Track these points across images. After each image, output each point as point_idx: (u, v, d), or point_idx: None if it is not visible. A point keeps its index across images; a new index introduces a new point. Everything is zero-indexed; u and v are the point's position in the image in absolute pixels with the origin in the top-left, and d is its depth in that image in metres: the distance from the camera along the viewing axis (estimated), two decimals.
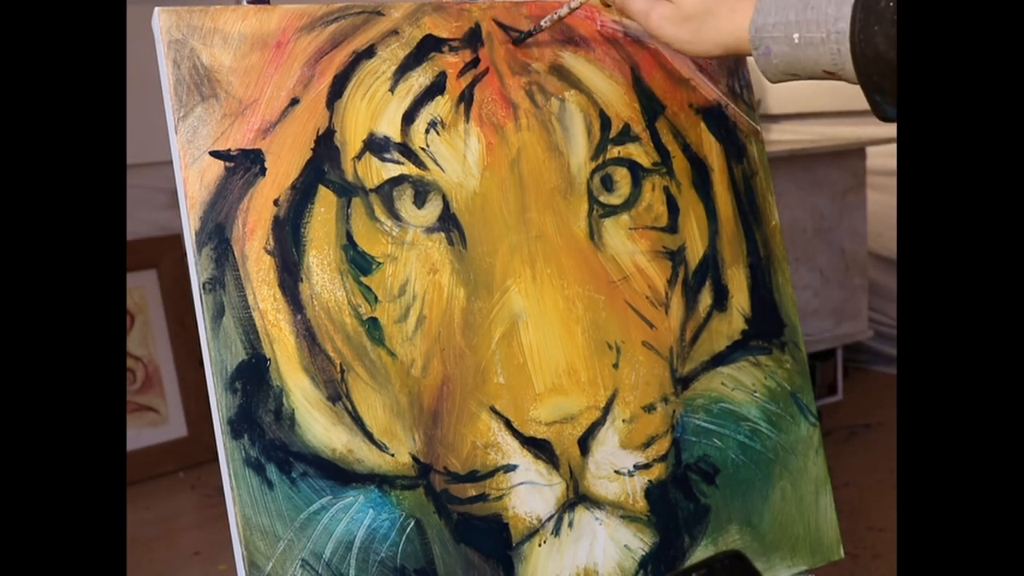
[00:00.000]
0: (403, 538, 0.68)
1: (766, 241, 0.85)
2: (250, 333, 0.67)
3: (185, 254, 0.68)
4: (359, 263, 0.70)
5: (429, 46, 0.75)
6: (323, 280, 0.69)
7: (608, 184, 0.79)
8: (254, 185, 0.68)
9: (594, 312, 0.76)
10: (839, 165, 2.53)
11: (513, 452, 0.72)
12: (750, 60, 0.75)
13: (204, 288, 0.66)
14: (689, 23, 0.68)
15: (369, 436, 0.68)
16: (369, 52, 0.73)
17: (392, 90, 0.73)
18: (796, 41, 0.63)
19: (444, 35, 0.76)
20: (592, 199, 0.78)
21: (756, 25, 0.65)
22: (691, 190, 0.82)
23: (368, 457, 0.68)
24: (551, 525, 0.73)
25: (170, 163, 0.69)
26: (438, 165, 0.73)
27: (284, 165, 0.69)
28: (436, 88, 0.74)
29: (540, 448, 0.73)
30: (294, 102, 0.70)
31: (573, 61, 0.80)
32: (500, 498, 0.71)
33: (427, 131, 0.73)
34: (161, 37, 0.68)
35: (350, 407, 0.68)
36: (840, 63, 0.62)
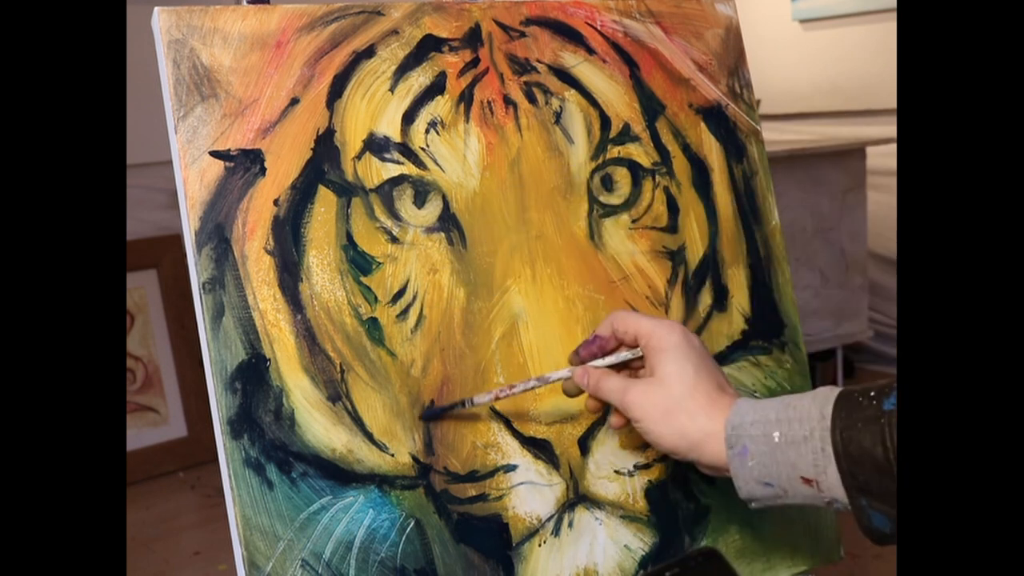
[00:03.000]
0: (403, 538, 0.68)
1: (766, 241, 0.85)
2: (250, 333, 0.67)
3: (185, 254, 0.68)
4: (359, 263, 0.70)
5: (429, 46, 0.75)
6: (323, 280, 0.69)
7: (608, 184, 0.79)
8: (254, 185, 0.68)
9: (594, 312, 0.76)
10: (839, 165, 2.53)
11: (513, 452, 0.72)
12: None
13: (204, 288, 0.66)
14: (665, 404, 0.65)
15: (369, 436, 0.68)
16: (369, 52, 0.73)
17: (392, 90, 0.73)
18: (776, 440, 0.61)
19: (444, 35, 0.76)
20: (592, 199, 0.78)
21: (733, 424, 0.63)
22: (691, 190, 0.82)
23: (368, 457, 0.68)
24: (551, 525, 0.72)
25: (170, 163, 0.69)
26: (438, 165, 0.73)
27: (284, 165, 0.69)
28: (436, 88, 0.74)
29: (540, 448, 0.73)
30: (294, 102, 0.70)
31: (573, 61, 0.80)
32: (500, 498, 0.71)
33: (427, 131, 0.73)
34: (161, 37, 0.68)
35: (350, 407, 0.68)
36: (822, 466, 0.59)
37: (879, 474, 0.57)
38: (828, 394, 0.61)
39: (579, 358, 0.71)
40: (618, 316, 0.70)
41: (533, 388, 0.71)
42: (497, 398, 0.70)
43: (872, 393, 0.59)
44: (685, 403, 0.64)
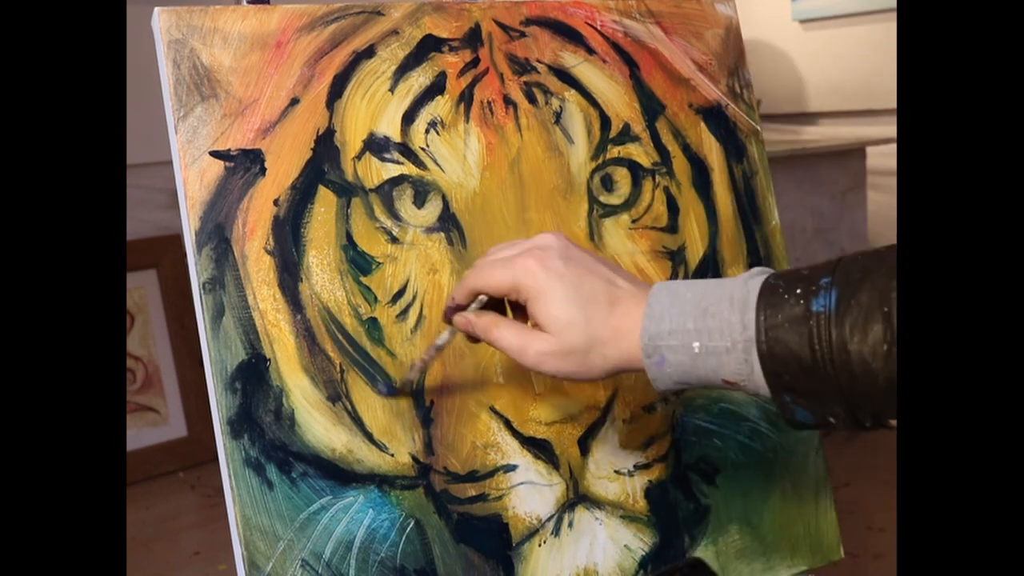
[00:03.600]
0: (403, 538, 0.68)
1: (766, 241, 0.85)
2: (250, 333, 0.67)
3: (185, 254, 0.68)
4: (359, 263, 0.70)
5: (429, 46, 0.75)
6: (323, 280, 0.69)
7: (608, 184, 0.79)
8: (254, 185, 0.68)
9: None
10: (839, 165, 2.53)
11: (513, 452, 0.72)
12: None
13: (204, 288, 0.66)
14: (573, 356, 0.61)
15: (369, 436, 0.68)
16: (369, 52, 0.73)
17: (392, 90, 0.73)
18: (696, 350, 0.59)
19: (444, 35, 0.76)
20: (592, 199, 0.78)
21: (649, 333, 0.60)
22: (691, 190, 0.82)
23: (368, 457, 0.68)
24: (551, 525, 0.73)
25: (170, 163, 0.69)
26: (438, 165, 0.73)
27: (284, 165, 0.69)
28: (436, 88, 0.74)
29: (540, 448, 0.73)
30: (294, 102, 0.70)
31: (573, 61, 0.80)
32: (500, 498, 0.71)
33: (427, 131, 0.73)
34: (161, 37, 0.68)
35: (350, 407, 0.68)
36: (746, 373, 0.58)
37: (804, 375, 0.55)
38: (747, 294, 0.58)
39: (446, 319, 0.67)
40: (471, 280, 0.64)
41: (433, 356, 0.68)
42: (424, 362, 0.69)
43: (799, 291, 0.56)
44: (592, 348, 0.61)
